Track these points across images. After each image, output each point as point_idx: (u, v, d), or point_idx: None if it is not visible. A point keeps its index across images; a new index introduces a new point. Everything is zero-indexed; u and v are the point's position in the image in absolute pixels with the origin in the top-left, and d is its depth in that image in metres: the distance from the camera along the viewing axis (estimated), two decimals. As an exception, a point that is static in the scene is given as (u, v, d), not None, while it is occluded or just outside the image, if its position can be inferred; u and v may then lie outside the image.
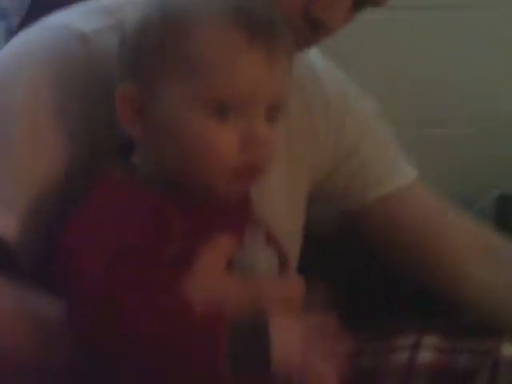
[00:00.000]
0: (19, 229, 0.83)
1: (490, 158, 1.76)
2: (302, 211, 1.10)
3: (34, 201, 0.84)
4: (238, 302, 0.75)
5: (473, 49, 1.74)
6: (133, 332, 0.68)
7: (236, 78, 0.75)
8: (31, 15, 1.27)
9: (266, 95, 0.76)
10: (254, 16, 0.76)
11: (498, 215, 1.65)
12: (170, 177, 0.77)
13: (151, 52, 0.77)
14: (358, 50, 1.64)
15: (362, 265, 1.32)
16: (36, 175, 0.84)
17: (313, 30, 0.88)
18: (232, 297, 0.75)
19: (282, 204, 1.04)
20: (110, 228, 0.73)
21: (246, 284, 0.77)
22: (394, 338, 1.10)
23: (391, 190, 1.11)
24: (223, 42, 0.75)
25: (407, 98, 1.73)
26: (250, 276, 0.77)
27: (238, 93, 0.75)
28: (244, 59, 0.75)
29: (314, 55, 1.09)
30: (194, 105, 0.75)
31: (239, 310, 0.73)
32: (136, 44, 0.78)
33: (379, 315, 1.21)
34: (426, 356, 1.07)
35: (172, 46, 0.76)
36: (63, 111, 0.84)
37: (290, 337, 0.71)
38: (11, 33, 1.24)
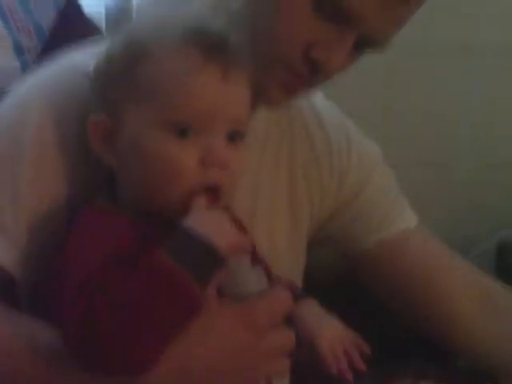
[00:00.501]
0: (20, 259, 0.86)
1: (490, 204, 1.78)
2: (302, 253, 1.11)
3: (34, 233, 0.86)
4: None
5: (475, 92, 1.77)
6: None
7: (192, 99, 0.76)
8: (47, 52, 1.30)
9: (225, 115, 0.77)
10: (209, 38, 0.77)
11: (497, 262, 1.65)
12: (141, 200, 0.79)
13: (115, 80, 0.80)
14: (361, 91, 1.67)
15: (362, 309, 1.31)
16: (37, 209, 0.86)
17: (312, 72, 0.88)
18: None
19: (283, 245, 1.06)
20: (87, 252, 0.75)
21: (235, 308, 0.77)
22: (390, 382, 1.11)
23: (391, 234, 1.12)
24: (178, 65, 0.77)
25: (408, 138, 1.76)
26: (239, 299, 0.78)
27: (195, 114, 0.76)
28: (199, 81, 0.76)
29: (316, 97, 1.10)
30: (154, 127, 0.77)
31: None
32: (103, 73, 0.82)
33: (376, 359, 1.21)
34: (422, 400, 1.08)
35: (133, 72, 0.78)
36: (65, 148, 0.87)
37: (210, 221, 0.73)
38: (27, 69, 1.27)
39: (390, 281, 1.14)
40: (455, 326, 1.13)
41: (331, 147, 1.09)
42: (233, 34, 0.80)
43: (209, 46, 0.77)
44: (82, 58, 0.92)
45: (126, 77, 0.79)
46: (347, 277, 1.21)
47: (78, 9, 1.41)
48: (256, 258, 0.84)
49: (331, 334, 0.85)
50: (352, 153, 1.10)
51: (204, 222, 0.73)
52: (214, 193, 0.77)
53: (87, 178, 0.86)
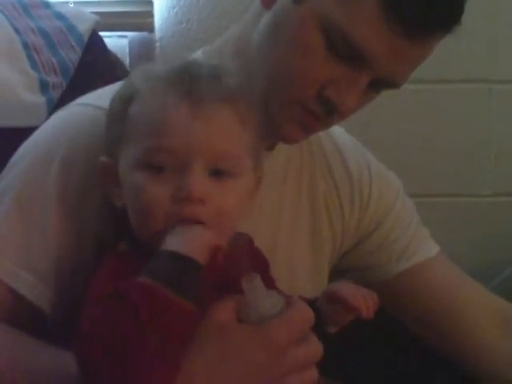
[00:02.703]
0: (49, 296, 0.89)
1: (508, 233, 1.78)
2: (324, 284, 1.10)
3: (62, 271, 0.89)
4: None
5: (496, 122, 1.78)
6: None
7: (165, 136, 0.77)
8: (72, 88, 1.33)
9: (202, 151, 0.77)
10: (188, 77, 0.78)
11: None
12: (139, 236, 0.81)
13: (114, 120, 0.83)
14: (388, 120, 1.69)
15: (387, 334, 1.32)
16: (64, 248, 0.89)
17: (327, 111, 0.90)
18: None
19: (304, 277, 1.06)
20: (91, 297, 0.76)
21: (253, 330, 0.77)
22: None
23: (413, 265, 1.12)
24: (154, 105, 0.78)
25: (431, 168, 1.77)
26: (257, 322, 0.77)
27: (168, 153, 0.77)
28: (172, 117, 0.77)
29: (337, 132, 1.12)
30: (135, 165, 0.79)
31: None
32: (107, 119, 0.85)
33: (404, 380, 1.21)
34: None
35: (125, 113, 0.81)
36: (91, 186, 0.89)
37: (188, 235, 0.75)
38: (53, 105, 1.30)
39: (411, 309, 1.15)
40: (478, 352, 1.13)
41: (353, 183, 1.10)
42: (229, 75, 0.80)
43: (186, 85, 0.77)
44: (104, 97, 0.94)
45: (121, 117, 0.81)
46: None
47: (101, 45, 1.44)
48: (268, 281, 0.85)
49: (348, 285, 0.86)
50: (373, 188, 1.11)
51: (175, 236, 0.75)
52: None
53: (114, 214, 0.87)
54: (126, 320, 0.70)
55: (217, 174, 0.78)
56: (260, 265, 0.88)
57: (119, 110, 0.82)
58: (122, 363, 0.70)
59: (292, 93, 0.90)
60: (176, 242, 0.74)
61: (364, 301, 0.84)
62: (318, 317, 0.84)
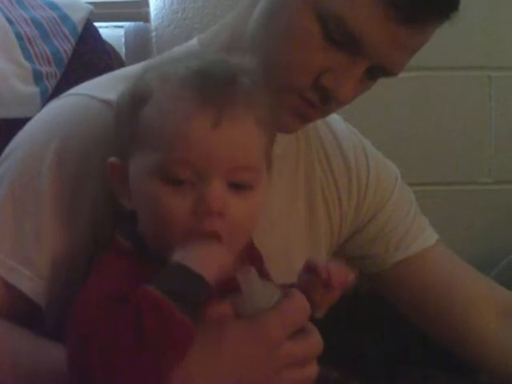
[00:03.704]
0: (45, 290, 0.88)
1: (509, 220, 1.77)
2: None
3: (58, 265, 0.88)
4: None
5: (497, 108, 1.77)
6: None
7: (184, 148, 0.74)
8: (66, 79, 1.32)
9: (223, 163, 0.75)
10: (207, 82, 0.75)
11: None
12: (151, 240, 0.79)
13: (123, 126, 0.80)
14: (386, 108, 1.68)
15: (386, 323, 1.32)
16: (60, 243, 0.88)
17: (324, 100, 0.89)
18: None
19: (301, 265, 1.04)
20: (89, 293, 0.75)
21: (247, 324, 0.76)
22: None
23: (412, 254, 1.12)
24: (172, 112, 0.75)
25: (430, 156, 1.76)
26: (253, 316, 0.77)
27: (187, 165, 0.74)
28: (191, 126, 0.74)
29: (334, 119, 1.11)
30: (150, 174, 0.76)
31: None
32: (115, 120, 0.83)
33: (398, 371, 1.21)
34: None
35: (136, 115, 0.78)
36: (86, 179, 0.88)
37: (199, 253, 0.73)
38: (47, 96, 1.29)
39: (410, 298, 1.14)
40: (477, 341, 1.13)
41: (350, 172, 1.09)
42: (246, 74, 0.78)
43: (207, 89, 0.74)
44: (99, 87, 0.93)
45: (132, 117, 0.78)
46: (369, 292, 1.21)
47: (96, 34, 1.42)
48: (263, 273, 0.84)
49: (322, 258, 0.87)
50: (370, 177, 1.10)
51: (190, 250, 0.73)
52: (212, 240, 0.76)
53: (110, 210, 0.86)
54: (127, 327, 0.69)
55: (238, 187, 0.76)
56: (255, 258, 0.87)
57: (130, 110, 0.79)
58: (116, 370, 0.69)
59: (288, 82, 0.89)
60: (191, 257, 0.72)
61: (338, 272, 0.81)
62: None
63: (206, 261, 0.73)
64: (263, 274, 0.84)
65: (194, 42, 1.02)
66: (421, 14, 0.85)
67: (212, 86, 0.75)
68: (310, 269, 0.82)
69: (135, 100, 0.79)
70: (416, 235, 1.12)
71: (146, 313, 0.69)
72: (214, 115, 0.74)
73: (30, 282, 0.87)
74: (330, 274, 0.80)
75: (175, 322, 0.70)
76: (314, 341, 0.80)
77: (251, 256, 0.86)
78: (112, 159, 0.82)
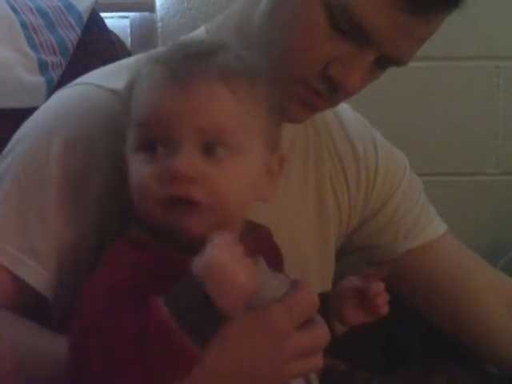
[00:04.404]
0: (51, 282, 0.87)
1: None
2: (331, 263, 1.10)
3: (64, 256, 0.88)
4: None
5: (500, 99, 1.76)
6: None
7: (153, 114, 0.76)
8: (72, 68, 1.32)
9: (192, 129, 0.75)
10: (178, 56, 0.77)
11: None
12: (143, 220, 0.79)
13: (124, 108, 0.81)
14: (392, 98, 1.67)
15: (393, 312, 1.32)
16: (66, 233, 0.87)
17: (331, 90, 0.88)
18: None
19: (311, 255, 1.05)
20: (96, 284, 0.75)
21: (254, 315, 0.75)
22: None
23: (420, 244, 1.11)
24: (145, 85, 0.78)
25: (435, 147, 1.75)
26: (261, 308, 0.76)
27: (158, 129, 0.75)
28: (160, 94, 0.76)
29: (342, 109, 1.10)
30: (133, 148, 0.78)
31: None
32: (123, 110, 0.83)
33: (404, 362, 1.21)
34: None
35: (128, 99, 0.80)
36: (93, 167, 0.87)
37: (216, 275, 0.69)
38: (52, 85, 1.28)
39: (418, 288, 1.14)
40: (485, 331, 1.12)
41: (359, 161, 1.08)
42: (229, 52, 0.79)
43: (176, 61, 0.76)
44: (105, 76, 0.93)
45: (126, 104, 0.80)
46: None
47: (101, 24, 1.42)
48: (278, 265, 0.84)
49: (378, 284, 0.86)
50: (379, 166, 1.10)
51: (214, 266, 0.69)
52: (190, 207, 0.75)
53: (118, 200, 0.85)
54: (129, 337, 0.69)
55: (212, 151, 0.75)
56: (275, 260, 0.86)
57: (126, 97, 0.81)
58: (115, 367, 0.69)
59: (295, 71, 0.88)
60: (213, 286, 0.69)
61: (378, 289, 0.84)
62: (325, 313, 0.83)
63: (231, 292, 0.69)
64: (279, 268, 0.84)
65: (200, 30, 1.01)
66: (429, 3, 0.84)
67: (182, 59, 0.77)
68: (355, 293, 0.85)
69: (127, 88, 0.81)
70: (425, 225, 1.12)
71: (150, 333, 0.69)
72: (182, 83, 0.75)
73: (36, 274, 0.87)
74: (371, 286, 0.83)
75: (180, 348, 0.69)
76: (321, 332, 0.79)
77: (273, 258, 0.84)
78: (122, 148, 0.81)
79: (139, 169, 0.76)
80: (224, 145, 0.76)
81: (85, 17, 1.37)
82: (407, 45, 0.87)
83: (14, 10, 1.28)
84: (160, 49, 0.82)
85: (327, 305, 0.87)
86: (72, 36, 1.33)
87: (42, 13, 1.32)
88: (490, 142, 1.78)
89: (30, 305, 0.88)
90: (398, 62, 0.89)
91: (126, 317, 0.70)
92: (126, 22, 1.69)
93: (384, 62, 0.89)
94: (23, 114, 0.97)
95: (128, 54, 1.45)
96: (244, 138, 0.77)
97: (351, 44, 0.85)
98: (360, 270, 1.17)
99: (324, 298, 0.88)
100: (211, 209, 0.75)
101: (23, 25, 1.28)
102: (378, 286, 0.85)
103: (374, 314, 0.86)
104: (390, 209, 1.10)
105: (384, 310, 0.85)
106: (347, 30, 0.84)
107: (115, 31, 1.49)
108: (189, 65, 0.76)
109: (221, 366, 0.74)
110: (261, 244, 0.83)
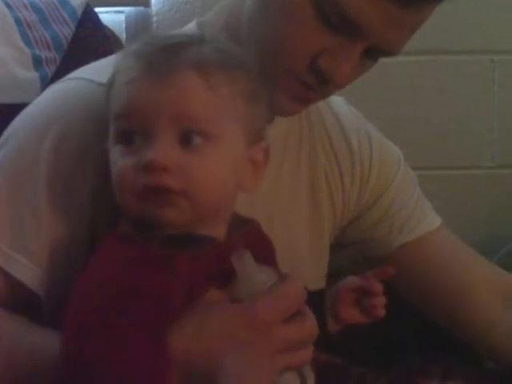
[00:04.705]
0: (43, 278, 0.87)
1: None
2: (325, 257, 1.10)
3: (56, 253, 0.87)
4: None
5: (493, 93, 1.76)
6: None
7: (130, 105, 0.76)
8: (66, 63, 1.31)
9: (166, 118, 0.75)
10: (151, 49, 0.78)
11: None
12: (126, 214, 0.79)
13: (106, 104, 0.81)
14: (383, 93, 1.67)
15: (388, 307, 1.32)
16: (57, 229, 0.87)
17: (321, 82, 0.87)
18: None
19: (304, 249, 1.05)
20: (91, 281, 0.75)
21: (237, 307, 0.76)
22: (417, 382, 1.10)
23: (415, 237, 1.11)
24: (122, 77, 0.78)
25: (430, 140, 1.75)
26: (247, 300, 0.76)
27: (134, 120, 0.76)
28: (133, 86, 0.76)
29: (336, 102, 1.10)
30: (112, 141, 0.78)
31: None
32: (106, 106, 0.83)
33: (402, 355, 1.21)
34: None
35: (109, 94, 0.80)
36: (86, 162, 0.87)
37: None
38: (46, 81, 1.28)
39: (413, 281, 1.14)
40: (480, 325, 1.12)
41: (353, 155, 1.08)
42: (209, 43, 0.79)
43: (148, 56, 0.77)
44: (97, 71, 0.92)
45: (107, 99, 0.80)
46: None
47: (95, 19, 1.42)
48: (269, 259, 0.84)
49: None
50: (374, 160, 1.09)
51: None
52: (164, 196, 0.75)
53: (110, 195, 0.83)
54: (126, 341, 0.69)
55: (187, 139, 0.75)
56: (267, 254, 0.86)
57: (107, 94, 0.81)
58: (109, 365, 0.69)
59: (284, 64, 0.88)
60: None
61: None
62: (320, 312, 0.84)
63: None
64: (270, 262, 0.84)
65: (192, 25, 1.01)
66: None
67: (158, 52, 0.77)
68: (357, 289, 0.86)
69: (107, 84, 0.81)
70: (420, 218, 1.12)
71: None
72: (154, 74, 0.75)
73: (28, 271, 0.87)
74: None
75: None
76: (309, 324, 0.79)
77: (263, 252, 0.84)
78: (104, 145, 0.81)
79: (117, 160, 0.77)
80: (198, 133, 0.76)
81: (79, 12, 1.37)
82: (397, 35, 0.87)
83: (8, 5, 1.28)
84: (137, 43, 0.82)
85: (323, 301, 0.88)
86: (66, 31, 1.33)
87: (36, 8, 1.32)
88: (486, 135, 1.78)
89: (21, 301, 0.88)
90: (389, 52, 0.89)
91: (138, 344, 0.70)
92: (121, 16, 1.68)
93: (374, 52, 0.88)
94: (17, 109, 0.96)
95: (122, 48, 1.44)
96: (219, 126, 0.77)
97: (339, 35, 0.85)
98: (354, 263, 1.19)
99: (320, 294, 0.89)
100: (187, 198, 0.75)
101: (17, 20, 1.28)
102: (378, 287, 0.86)
103: (369, 315, 0.87)
104: (385, 202, 1.10)
105: (380, 312, 0.86)
106: (336, 22, 0.84)
107: (110, 26, 1.49)
108: (164, 57, 0.76)
109: (199, 355, 0.73)
110: (250, 238, 0.82)
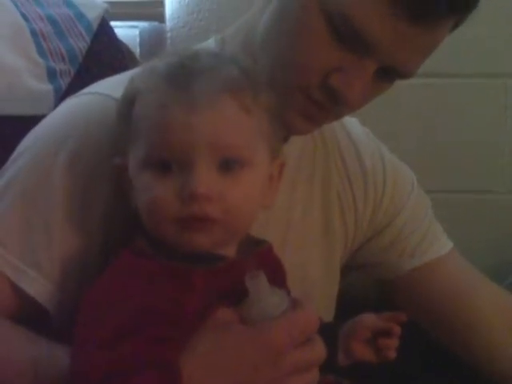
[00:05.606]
0: (54, 293, 0.87)
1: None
2: (336, 280, 1.09)
3: (67, 268, 0.87)
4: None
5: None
6: None
7: (165, 132, 0.75)
8: (80, 76, 1.32)
9: (204, 145, 0.75)
10: (184, 72, 0.77)
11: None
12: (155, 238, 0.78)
13: (122, 125, 0.81)
14: (400, 115, 1.67)
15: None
16: (70, 244, 0.87)
17: (332, 101, 0.87)
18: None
19: (316, 273, 1.04)
20: (112, 298, 0.74)
21: (251, 330, 0.75)
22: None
23: (426, 262, 1.11)
24: (152, 103, 0.77)
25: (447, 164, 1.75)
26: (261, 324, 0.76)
27: (172, 148, 0.75)
28: (170, 114, 0.75)
29: (351, 123, 1.09)
30: (142, 165, 0.77)
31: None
32: (116, 121, 0.83)
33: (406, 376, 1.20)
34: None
35: (130, 113, 0.79)
36: (99, 178, 0.87)
37: None
38: (60, 93, 1.28)
39: (423, 306, 1.13)
40: (489, 351, 1.11)
41: (367, 177, 1.08)
42: (231, 63, 0.79)
43: (182, 80, 0.76)
44: (115, 86, 0.92)
45: (127, 118, 0.80)
46: (381, 299, 1.20)
47: (111, 33, 1.42)
48: (280, 280, 0.83)
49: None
50: (387, 183, 1.09)
51: None
52: (204, 224, 0.75)
53: (124, 212, 0.84)
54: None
55: (226, 166, 0.76)
56: (277, 275, 0.86)
57: (125, 112, 0.80)
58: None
59: (296, 81, 0.87)
60: None
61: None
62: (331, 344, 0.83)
63: None
64: (280, 283, 0.83)
65: (210, 41, 1.01)
66: (430, 12, 0.81)
67: (189, 74, 0.76)
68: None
69: (127, 101, 0.80)
70: (431, 242, 1.11)
71: None
72: (191, 100, 0.75)
73: (38, 285, 0.86)
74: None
75: None
76: (318, 349, 0.79)
77: (274, 273, 0.83)
78: (116, 160, 0.82)
79: (150, 186, 0.76)
80: (236, 160, 0.76)
81: (94, 25, 1.37)
82: (409, 55, 0.85)
83: (25, 17, 1.28)
84: (156, 61, 0.82)
85: (336, 335, 0.88)
86: (81, 44, 1.33)
87: (52, 21, 1.32)
88: (497, 160, 1.77)
89: (29, 315, 0.87)
90: (403, 73, 0.87)
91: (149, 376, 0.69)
92: (136, 31, 1.69)
93: (388, 73, 0.87)
94: (31, 121, 0.97)
95: (137, 63, 1.45)
96: (253, 150, 0.78)
97: (351, 53, 0.84)
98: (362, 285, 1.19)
99: (333, 327, 0.88)
100: (223, 225, 0.75)
101: (33, 32, 1.28)
102: (397, 330, 0.85)
103: (381, 356, 0.86)
104: (398, 225, 1.10)
105: (392, 354, 0.86)
106: (346, 37, 0.83)
107: (124, 41, 1.49)
108: (198, 80, 0.76)
109: (215, 377, 0.73)
110: (262, 259, 0.83)
